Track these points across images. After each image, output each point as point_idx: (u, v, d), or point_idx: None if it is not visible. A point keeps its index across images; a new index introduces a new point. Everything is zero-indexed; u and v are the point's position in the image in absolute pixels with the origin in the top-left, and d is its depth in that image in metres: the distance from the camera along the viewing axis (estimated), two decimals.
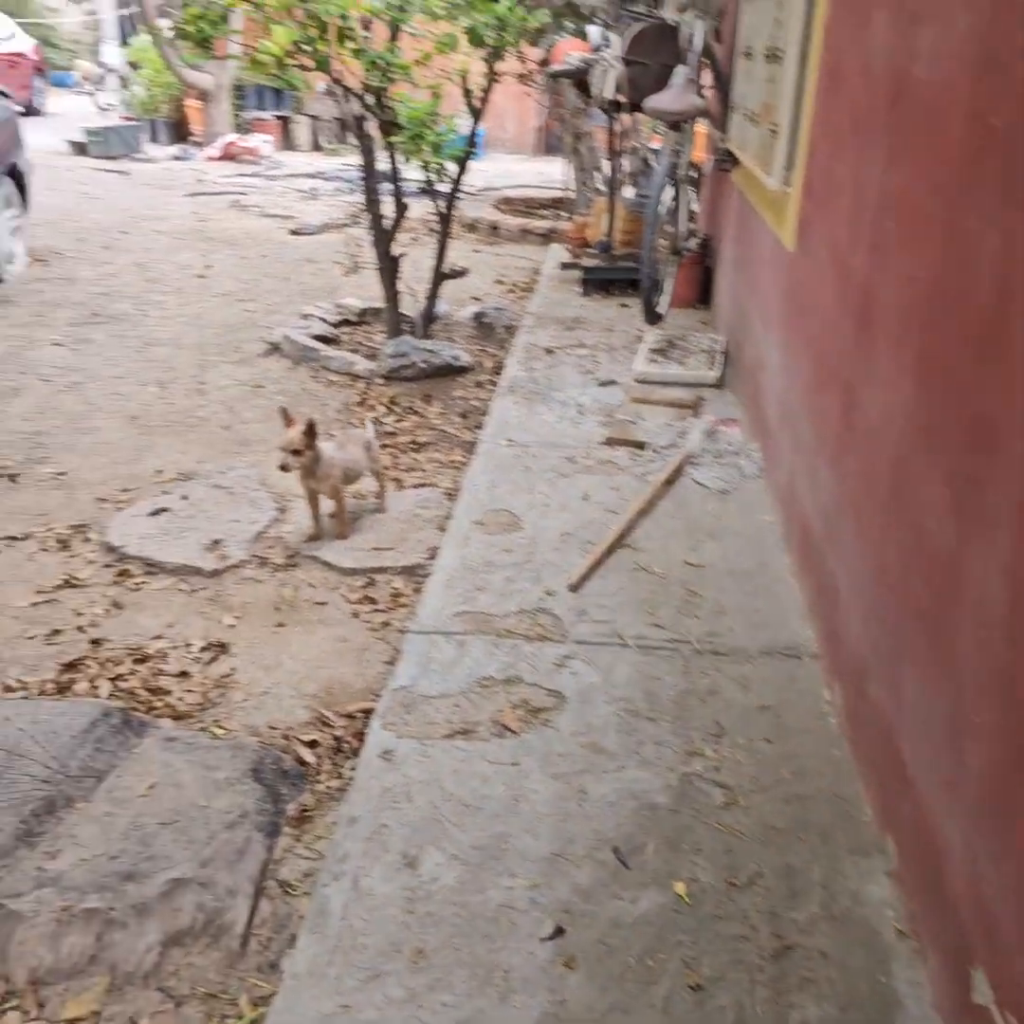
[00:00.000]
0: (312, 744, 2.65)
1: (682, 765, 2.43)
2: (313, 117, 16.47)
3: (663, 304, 5.52)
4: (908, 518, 2.17)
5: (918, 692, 2.03)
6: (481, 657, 2.83)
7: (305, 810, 2.41)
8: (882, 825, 2.22)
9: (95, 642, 3.04)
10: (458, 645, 2.88)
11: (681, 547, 3.48)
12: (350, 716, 2.77)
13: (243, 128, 15.98)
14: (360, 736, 2.64)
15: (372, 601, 3.32)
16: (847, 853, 2.18)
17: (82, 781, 2.30)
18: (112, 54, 20.21)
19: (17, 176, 7.46)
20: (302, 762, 2.57)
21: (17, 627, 3.10)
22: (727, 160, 5.39)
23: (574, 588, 3.18)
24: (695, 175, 6.55)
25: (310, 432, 3.43)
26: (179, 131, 16.18)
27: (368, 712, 2.73)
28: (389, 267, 5.77)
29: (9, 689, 2.79)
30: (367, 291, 6.86)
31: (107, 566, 3.47)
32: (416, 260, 6.47)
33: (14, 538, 3.62)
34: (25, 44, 19.00)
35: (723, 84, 5.68)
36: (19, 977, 1.92)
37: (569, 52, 6.69)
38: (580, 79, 6.74)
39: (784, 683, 2.77)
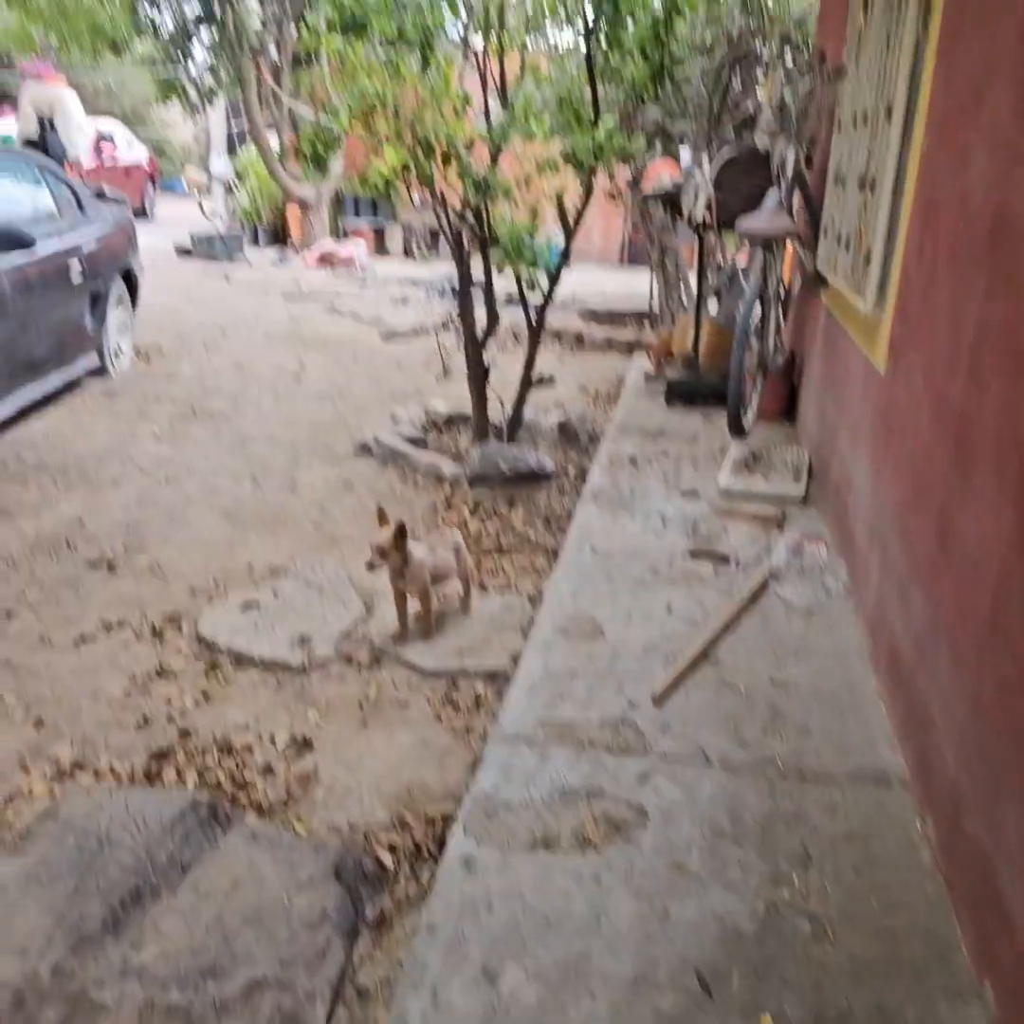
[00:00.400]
0: (392, 847, 2.64)
1: (768, 891, 2.37)
2: (406, 227, 17.16)
3: (748, 418, 5.56)
4: (1009, 647, 2.13)
5: (1021, 829, 1.97)
6: (563, 767, 2.82)
7: (384, 914, 2.41)
8: (980, 969, 2.14)
9: (184, 732, 3.10)
10: (540, 754, 2.88)
11: (765, 664, 3.45)
12: (430, 821, 2.77)
13: (340, 235, 16.70)
14: (439, 841, 2.64)
15: (454, 704, 3.34)
16: (943, 995, 2.09)
17: (169, 872, 2.33)
18: (220, 164, 21.38)
19: (129, 277, 7.89)
20: (381, 865, 2.57)
21: (110, 714, 3.18)
22: (816, 281, 5.48)
23: (657, 701, 3.17)
24: (783, 294, 6.65)
25: (401, 534, 3.51)
26: (279, 237, 16.98)
27: (448, 817, 2.73)
28: (479, 374, 5.93)
29: (100, 775, 2.86)
30: (453, 396, 7.04)
31: (198, 657, 3.55)
32: (502, 367, 6.63)
33: (110, 625, 3.73)
34: (141, 154, 20.29)
35: (813, 208, 5.81)
36: None
37: (661, 173, 6.90)
38: (669, 198, 6.95)
39: (873, 811, 2.70)
